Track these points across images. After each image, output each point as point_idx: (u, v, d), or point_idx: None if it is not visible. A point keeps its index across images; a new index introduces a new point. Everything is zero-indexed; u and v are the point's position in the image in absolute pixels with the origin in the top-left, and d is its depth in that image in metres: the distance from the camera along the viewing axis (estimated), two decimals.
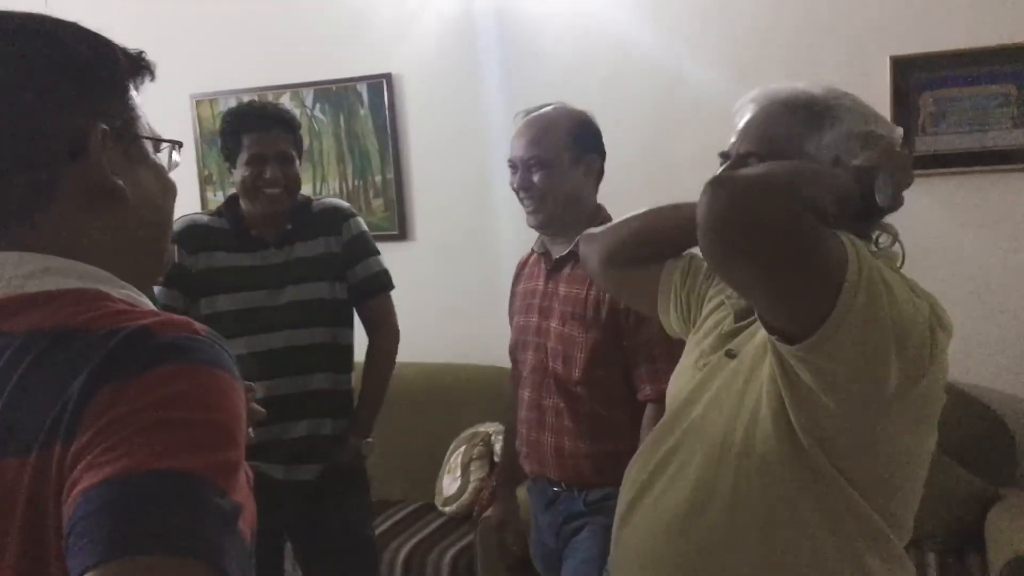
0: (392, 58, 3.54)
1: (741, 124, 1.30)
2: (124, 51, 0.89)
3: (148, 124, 0.91)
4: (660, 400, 1.85)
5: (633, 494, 1.34)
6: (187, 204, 3.75)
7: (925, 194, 2.96)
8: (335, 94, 3.66)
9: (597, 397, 1.94)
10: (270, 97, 3.74)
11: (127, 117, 0.87)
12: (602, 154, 2.05)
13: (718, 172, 1.24)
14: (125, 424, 0.68)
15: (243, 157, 2.15)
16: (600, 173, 2.05)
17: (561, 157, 1.97)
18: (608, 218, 1.97)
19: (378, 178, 3.61)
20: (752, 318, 1.30)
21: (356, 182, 3.69)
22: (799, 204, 1.04)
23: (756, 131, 1.27)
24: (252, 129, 2.14)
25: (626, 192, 3.25)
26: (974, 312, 2.91)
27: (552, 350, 1.98)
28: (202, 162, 3.90)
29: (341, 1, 3.58)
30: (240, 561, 0.67)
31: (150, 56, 0.92)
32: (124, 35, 0.91)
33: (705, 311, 1.46)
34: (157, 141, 0.92)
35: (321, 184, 3.74)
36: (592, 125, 2.03)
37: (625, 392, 1.93)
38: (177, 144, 0.96)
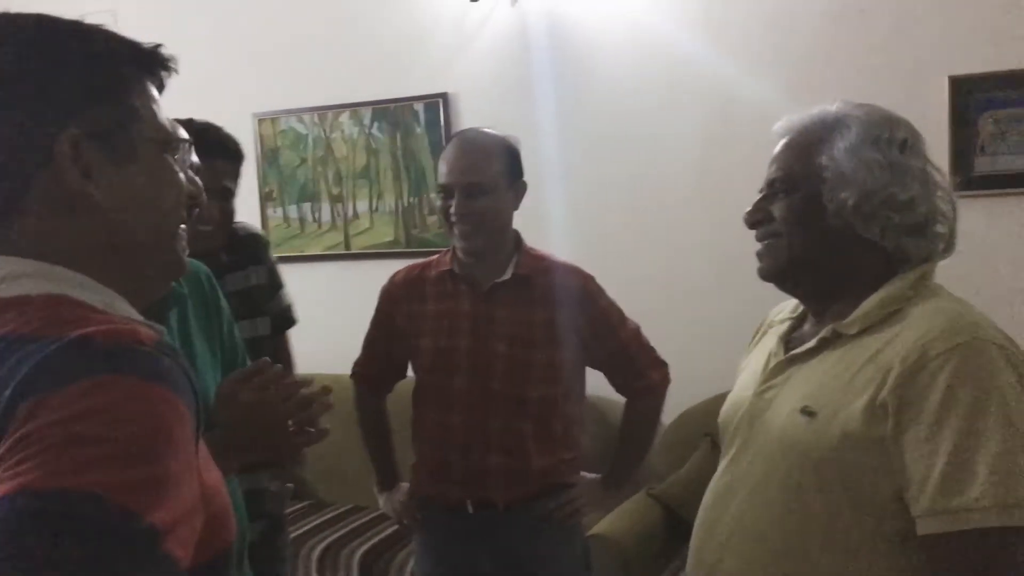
0: (448, 78, 3.59)
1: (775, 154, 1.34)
2: (133, 47, 0.87)
3: (160, 121, 0.88)
4: (665, 383, 2.10)
5: (708, 525, 1.35)
6: (248, 221, 3.85)
7: (985, 215, 2.91)
8: (392, 113, 3.73)
9: (553, 414, 2.01)
10: (329, 116, 3.83)
11: (120, 117, 0.84)
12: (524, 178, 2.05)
13: None
14: (35, 439, 0.66)
15: None
16: (522, 197, 2.05)
17: (499, 182, 1.96)
18: (521, 243, 2.05)
19: (433, 195, 3.66)
20: (807, 348, 1.30)
21: (411, 199, 3.76)
22: None
23: (780, 157, 1.31)
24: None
25: (678, 207, 3.28)
26: None
27: (501, 372, 1.96)
28: (263, 179, 4.00)
29: (400, 22, 3.65)
30: None
31: (168, 51, 0.89)
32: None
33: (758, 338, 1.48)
34: (166, 142, 0.89)
35: (377, 200, 3.81)
36: (518, 149, 2.02)
37: (566, 408, 2.05)
38: (187, 142, 0.93)
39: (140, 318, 0.84)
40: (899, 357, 1.14)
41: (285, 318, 2.22)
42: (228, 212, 1.99)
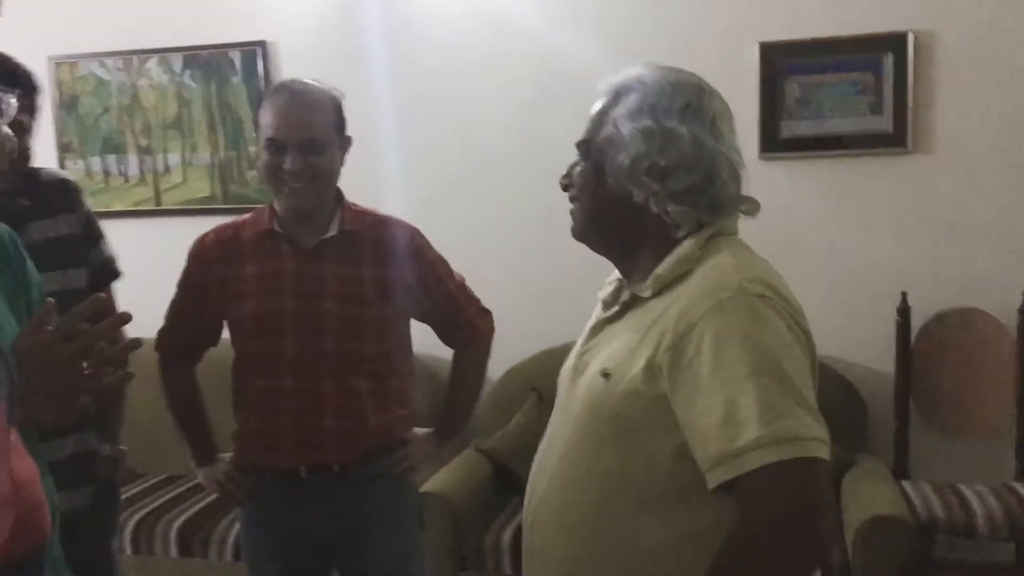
0: (267, 25, 3.43)
1: None
2: None
3: None
4: (490, 330, 2.12)
5: (533, 493, 1.37)
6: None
7: (789, 176, 3.09)
8: (206, 61, 3.52)
9: (388, 370, 1.99)
10: (135, 62, 3.58)
11: None
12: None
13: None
14: None
15: None
16: (347, 152, 1.99)
17: (332, 138, 1.91)
18: (343, 198, 1.99)
19: (252, 149, 3.50)
20: (614, 311, 1.32)
21: (229, 152, 3.57)
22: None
23: (588, 123, 1.32)
24: None
25: (503, 165, 3.29)
26: (830, 288, 3.07)
27: (333, 331, 1.91)
28: (61, 129, 3.68)
29: None
30: None
31: None
32: None
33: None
34: None
35: (191, 153, 3.60)
36: (341, 103, 1.96)
37: (399, 363, 2.03)
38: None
39: None
40: (673, 318, 1.18)
41: (106, 271, 2.06)
42: (20, 147, 1.81)
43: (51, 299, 1.19)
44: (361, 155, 2.08)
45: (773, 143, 3.07)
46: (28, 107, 1.84)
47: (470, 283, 2.12)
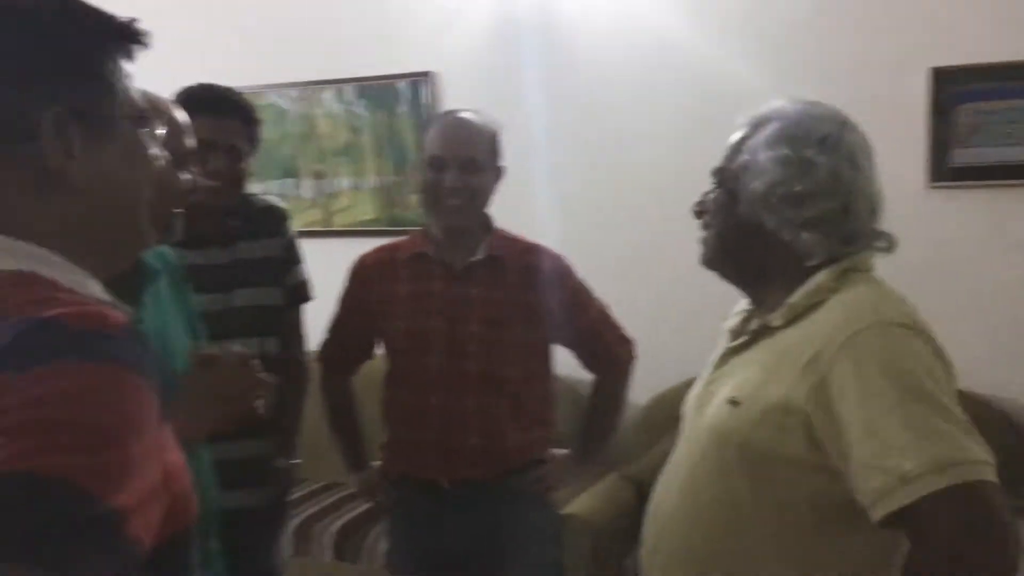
0: (433, 56, 3.58)
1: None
2: (111, 20, 0.85)
3: (132, 97, 0.87)
4: (631, 359, 2.14)
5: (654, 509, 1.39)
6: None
7: (961, 206, 2.95)
8: (375, 90, 3.71)
9: (528, 392, 2.03)
10: (312, 92, 3.81)
11: (99, 94, 0.84)
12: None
13: None
14: (1, 420, 0.66)
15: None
16: (499, 182, 2.07)
17: (489, 162, 2.00)
18: (492, 224, 2.06)
19: (415, 171, 3.65)
20: (742, 340, 1.33)
21: (393, 177, 3.75)
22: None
23: (725, 151, 1.35)
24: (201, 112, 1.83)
25: (656, 193, 3.30)
26: (999, 323, 2.90)
27: (476, 352, 1.98)
28: None
29: None
30: (116, 569, 0.65)
31: (143, 24, 0.87)
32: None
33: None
34: (140, 118, 0.88)
35: (359, 178, 3.80)
36: (499, 134, 2.05)
37: (539, 386, 2.09)
38: (161, 116, 0.94)
39: (108, 298, 0.83)
40: (810, 354, 1.17)
41: (299, 293, 2.22)
42: (236, 171, 2.00)
43: (200, 351, 1.39)
44: (514, 183, 2.15)
45: (943, 172, 2.93)
46: (246, 135, 2.03)
47: (618, 310, 2.15)
